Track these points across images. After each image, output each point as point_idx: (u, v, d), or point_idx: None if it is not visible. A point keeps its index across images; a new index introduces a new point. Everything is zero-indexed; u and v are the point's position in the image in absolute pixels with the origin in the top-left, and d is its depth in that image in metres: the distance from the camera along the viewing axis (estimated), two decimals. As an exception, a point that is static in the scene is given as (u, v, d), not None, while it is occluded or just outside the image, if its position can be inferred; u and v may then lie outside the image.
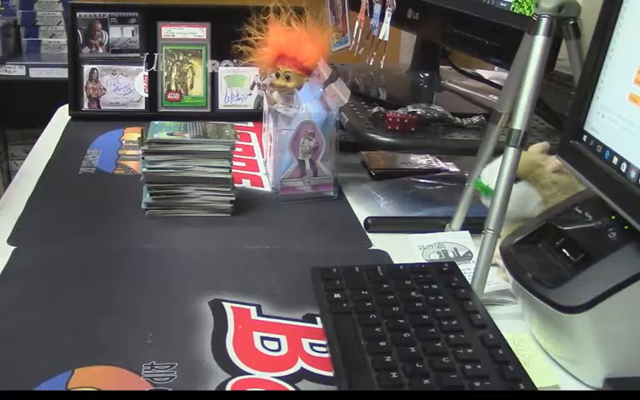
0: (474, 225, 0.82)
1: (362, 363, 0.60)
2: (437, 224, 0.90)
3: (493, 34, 0.91)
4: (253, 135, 1.25)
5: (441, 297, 0.69)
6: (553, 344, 0.68)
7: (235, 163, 0.98)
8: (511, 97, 0.78)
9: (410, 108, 0.96)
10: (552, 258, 0.66)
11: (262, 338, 0.68)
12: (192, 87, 1.28)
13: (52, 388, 0.59)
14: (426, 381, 0.57)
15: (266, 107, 1.10)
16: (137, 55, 1.28)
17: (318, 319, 0.71)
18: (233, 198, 0.93)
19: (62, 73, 1.83)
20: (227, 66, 1.28)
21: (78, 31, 1.27)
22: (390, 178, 1.10)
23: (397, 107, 0.97)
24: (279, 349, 0.67)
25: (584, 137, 0.68)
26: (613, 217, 0.63)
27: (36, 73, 2.12)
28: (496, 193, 0.73)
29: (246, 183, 1.05)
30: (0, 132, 2.41)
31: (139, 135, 0.91)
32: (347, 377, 0.58)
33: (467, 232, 0.84)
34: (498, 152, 0.77)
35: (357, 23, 1.08)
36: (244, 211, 0.95)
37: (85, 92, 1.27)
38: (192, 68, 1.28)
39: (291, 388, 0.62)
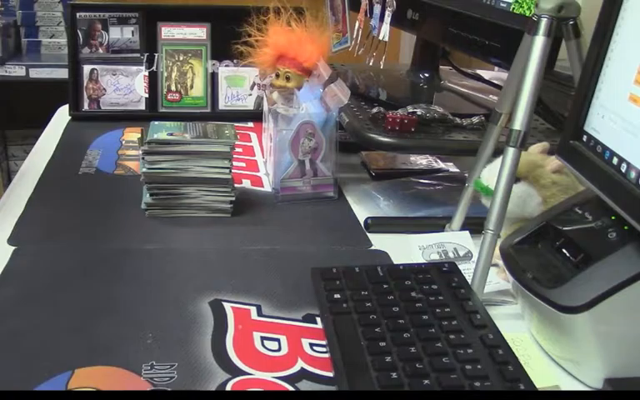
0: (474, 225, 0.83)
1: (362, 363, 0.60)
2: (437, 224, 0.90)
3: (493, 34, 0.91)
4: (253, 135, 1.25)
5: (441, 298, 0.69)
6: (553, 344, 0.68)
7: (235, 163, 0.98)
8: (511, 97, 0.78)
9: (410, 108, 0.96)
10: (552, 258, 0.66)
11: (262, 338, 0.68)
12: (192, 87, 1.28)
13: (52, 388, 0.59)
14: (426, 381, 0.57)
15: (266, 107, 1.10)
16: (137, 55, 1.28)
17: (318, 319, 0.71)
18: (233, 198, 0.93)
19: (62, 73, 1.84)
20: (227, 66, 1.28)
21: (78, 31, 1.27)
22: (390, 178, 1.09)
23: (397, 107, 0.97)
24: (279, 349, 0.67)
25: (584, 138, 0.68)
26: (613, 217, 0.63)
27: (36, 73, 2.13)
28: (496, 193, 0.73)
29: (246, 183, 1.05)
30: (0, 132, 2.41)
31: (139, 135, 0.91)
32: (347, 377, 0.58)
33: (467, 232, 0.84)
34: (498, 152, 0.77)
35: (357, 24, 1.08)
36: (244, 211, 0.95)
37: (85, 93, 1.27)
38: (192, 68, 1.28)
39: (291, 388, 0.62)
